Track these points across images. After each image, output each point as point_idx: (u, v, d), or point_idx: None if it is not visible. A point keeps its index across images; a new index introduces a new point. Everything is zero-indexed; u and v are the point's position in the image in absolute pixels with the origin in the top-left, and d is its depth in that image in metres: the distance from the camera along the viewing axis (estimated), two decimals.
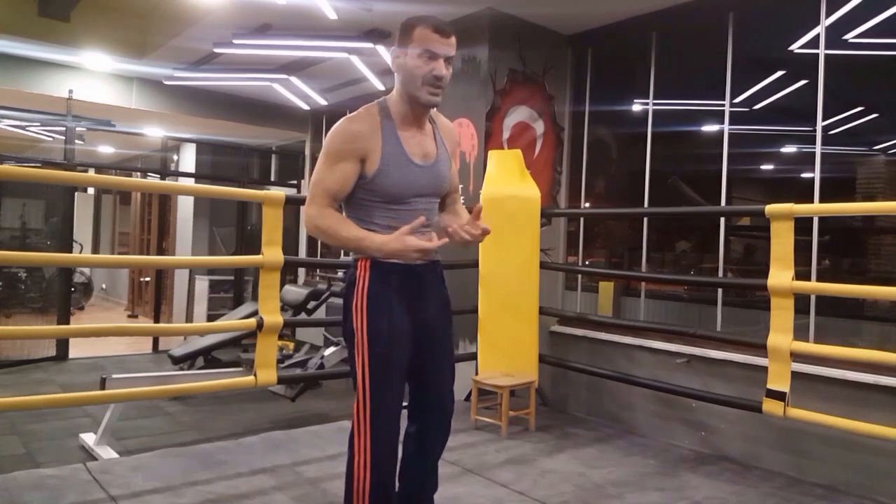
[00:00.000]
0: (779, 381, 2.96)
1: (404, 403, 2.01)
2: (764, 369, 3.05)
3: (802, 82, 4.14)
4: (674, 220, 5.18)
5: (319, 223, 1.85)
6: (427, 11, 5.02)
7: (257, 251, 3.24)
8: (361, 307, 1.90)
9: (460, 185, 2.38)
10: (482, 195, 4.06)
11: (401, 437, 2.05)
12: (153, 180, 8.64)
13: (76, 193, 7.56)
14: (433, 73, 1.81)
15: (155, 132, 8.22)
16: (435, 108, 2.00)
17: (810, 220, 3.59)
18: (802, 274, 3.38)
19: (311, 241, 8.56)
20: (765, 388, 3.01)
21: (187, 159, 9.43)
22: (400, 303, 1.92)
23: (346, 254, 8.03)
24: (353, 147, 1.84)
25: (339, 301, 6.78)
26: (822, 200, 3.63)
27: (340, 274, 5.88)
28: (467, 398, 4.13)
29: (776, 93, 4.27)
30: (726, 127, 4.10)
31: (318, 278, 8.12)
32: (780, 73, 4.27)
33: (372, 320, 1.88)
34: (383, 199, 1.89)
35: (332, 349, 5.02)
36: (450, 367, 2.13)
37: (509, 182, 4.12)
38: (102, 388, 3.49)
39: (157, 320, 7.66)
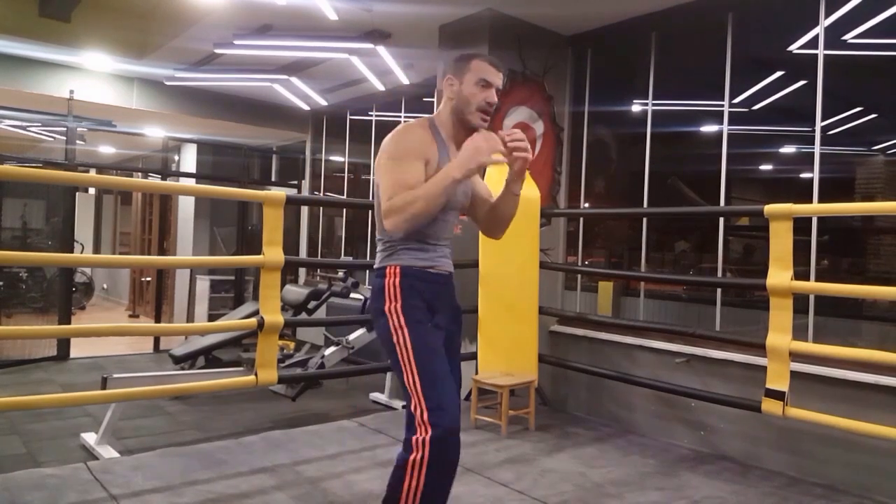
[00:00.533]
0: (778, 380, 2.97)
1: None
2: (763, 369, 3.06)
3: (801, 82, 4.14)
4: (673, 220, 5.18)
5: (403, 206, 1.86)
6: (427, 12, 5.03)
7: (258, 251, 3.25)
8: (395, 303, 2.00)
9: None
10: None
11: None
12: (154, 180, 8.65)
13: (77, 193, 7.57)
14: (486, 100, 2.02)
15: (156, 132, 8.23)
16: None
17: (809, 220, 3.60)
18: (801, 274, 3.39)
19: (312, 241, 8.58)
20: (764, 387, 3.02)
21: (188, 159, 9.45)
22: (428, 307, 2.05)
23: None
24: (421, 148, 1.97)
25: (340, 301, 6.76)
26: (821, 200, 3.64)
27: (341, 274, 5.89)
28: (467, 398, 4.14)
29: (775, 93, 4.28)
30: (725, 127, 4.11)
31: (318, 278, 8.14)
32: (779, 74, 4.27)
33: (407, 312, 1.98)
34: None
35: (332, 349, 5.02)
36: (458, 371, 2.23)
37: None
38: (103, 387, 3.50)
39: (157, 320, 7.67)
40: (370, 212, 7.49)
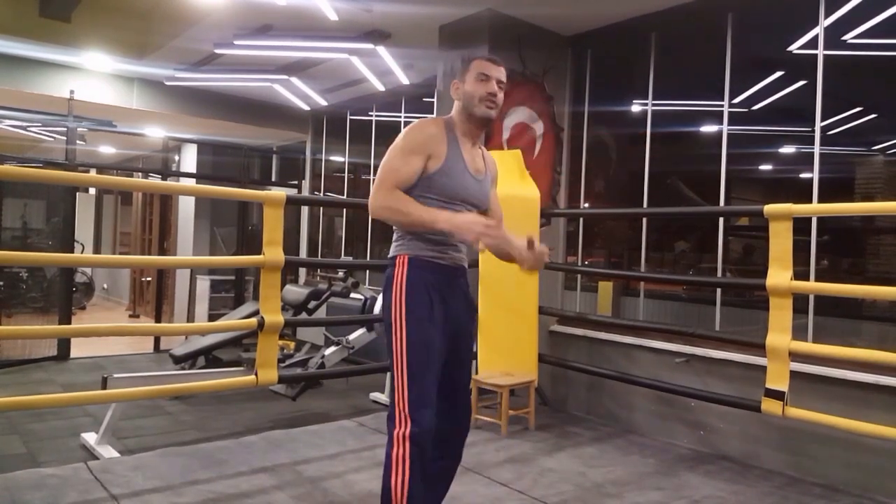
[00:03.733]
0: (777, 380, 2.97)
1: None
2: (763, 369, 3.06)
3: (801, 83, 4.14)
4: (673, 220, 5.18)
5: (391, 203, 2.01)
6: (427, 12, 5.03)
7: (258, 251, 3.25)
8: (400, 296, 2.07)
9: None
10: None
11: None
12: (154, 181, 8.65)
13: (77, 194, 7.55)
14: (487, 90, 2.14)
15: (156, 132, 8.24)
16: (484, 147, 2.33)
17: (809, 220, 3.60)
18: (801, 274, 3.39)
19: (312, 241, 8.59)
20: (763, 387, 3.02)
21: (188, 160, 9.45)
22: (434, 295, 2.10)
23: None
24: (426, 145, 2.08)
25: (340, 301, 6.77)
26: (820, 201, 3.64)
27: (341, 274, 5.90)
28: None
29: (775, 93, 4.28)
30: (725, 127, 4.11)
31: (318, 278, 8.14)
32: (778, 74, 4.27)
33: (410, 306, 2.06)
34: (438, 197, 2.09)
35: (332, 349, 5.03)
36: (469, 366, 2.34)
37: (509, 182, 4.12)
38: (104, 387, 3.50)
39: (158, 320, 7.67)
40: None
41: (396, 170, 2.06)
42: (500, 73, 2.19)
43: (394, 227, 2.18)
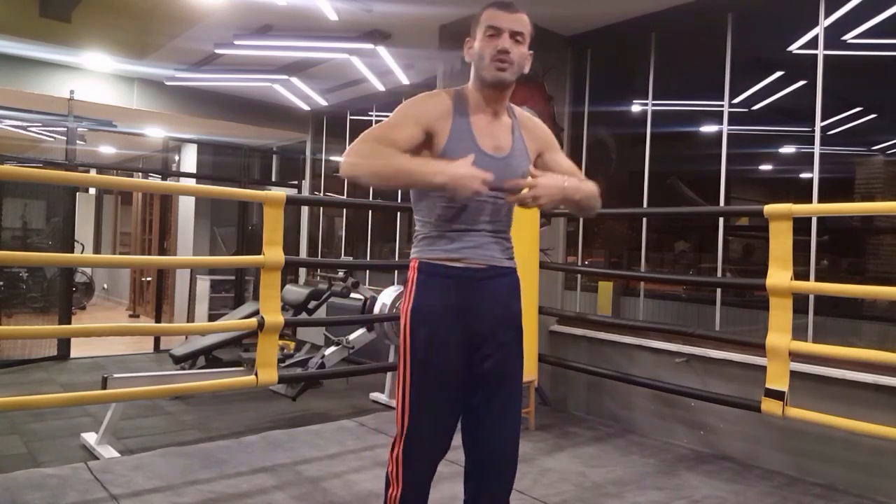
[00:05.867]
0: (777, 380, 2.97)
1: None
2: (763, 369, 3.06)
3: (801, 83, 4.14)
4: (673, 220, 5.18)
5: (365, 154, 1.62)
6: (427, 12, 5.02)
7: (258, 251, 3.25)
8: (406, 311, 1.77)
9: None
10: None
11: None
12: (154, 181, 8.65)
13: (77, 194, 7.55)
14: (497, 48, 1.74)
15: (156, 133, 8.24)
16: (526, 110, 1.94)
17: (809, 220, 3.60)
18: (801, 274, 3.39)
19: (312, 241, 8.58)
20: (763, 387, 3.02)
21: (188, 160, 9.45)
22: (449, 311, 1.73)
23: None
24: (427, 116, 1.72)
25: (340, 301, 6.75)
26: (820, 200, 3.64)
27: (341, 274, 5.89)
28: None
29: (775, 93, 4.28)
30: (725, 127, 4.11)
31: (318, 278, 8.14)
32: (778, 74, 4.28)
33: (414, 325, 1.74)
34: None
35: (332, 349, 5.03)
36: (512, 414, 1.83)
37: None
38: (104, 387, 3.50)
39: (158, 320, 7.67)
40: (370, 212, 7.51)
41: (380, 127, 1.68)
42: (516, 21, 1.76)
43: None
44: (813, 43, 3.75)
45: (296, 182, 8.84)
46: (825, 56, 3.66)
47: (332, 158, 8.22)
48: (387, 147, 1.63)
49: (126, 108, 6.93)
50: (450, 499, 2.80)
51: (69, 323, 6.63)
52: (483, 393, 1.77)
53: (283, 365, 5.06)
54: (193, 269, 8.63)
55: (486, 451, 1.80)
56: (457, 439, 1.82)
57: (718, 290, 4.16)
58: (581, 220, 5.05)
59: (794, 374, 3.00)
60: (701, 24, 4.36)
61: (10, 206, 7.51)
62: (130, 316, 10.17)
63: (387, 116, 1.74)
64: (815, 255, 3.61)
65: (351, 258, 7.95)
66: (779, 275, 2.95)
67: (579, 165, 5.01)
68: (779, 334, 2.96)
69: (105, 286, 12.32)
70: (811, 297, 3.62)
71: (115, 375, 3.58)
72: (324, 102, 7.40)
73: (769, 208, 2.99)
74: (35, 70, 6.23)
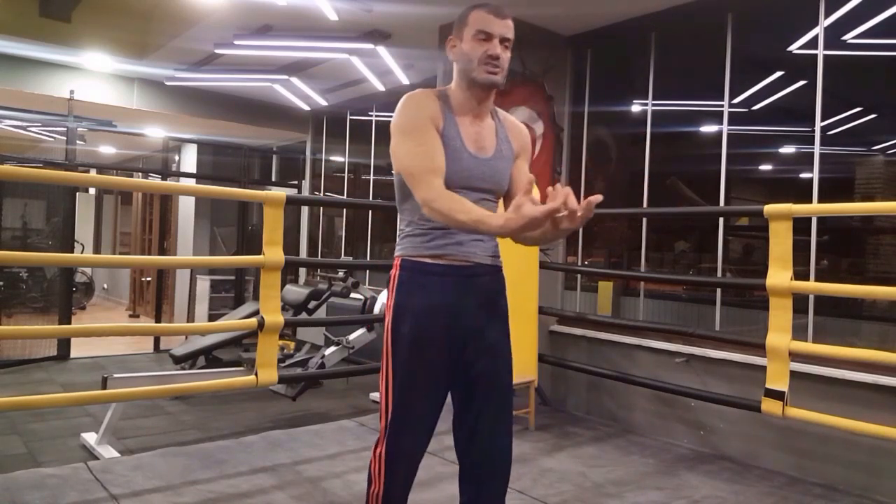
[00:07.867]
0: (777, 380, 2.97)
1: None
2: (763, 369, 3.06)
3: (801, 83, 4.15)
4: (673, 220, 5.18)
5: (436, 206, 1.59)
6: (427, 12, 5.02)
7: (258, 251, 3.25)
8: (389, 308, 1.78)
9: None
10: None
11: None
12: (154, 181, 8.66)
13: (77, 194, 7.56)
14: (487, 52, 1.74)
15: (156, 132, 8.24)
16: (510, 115, 1.97)
17: (809, 220, 3.60)
18: (801, 274, 3.39)
19: (312, 241, 8.58)
20: (763, 387, 3.02)
21: (188, 160, 9.45)
22: (433, 309, 1.74)
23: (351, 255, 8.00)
24: (428, 115, 1.72)
25: (340, 301, 6.74)
26: (820, 200, 3.64)
27: (341, 274, 5.90)
28: None
29: (775, 93, 4.28)
30: (725, 127, 4.11)
31: (318, 278, 8.14)
32: (778, 74, 4.28)
33: (397, 322, 1.76)
34: None
35: (332, 349, 5.03)
36: (507, 409, 1.89)
37: None
38: (104, 387, 3.50)
39: (158, 320, 7.67)
40: (370, 212, 7.52)
41: (419, 158, 1.65)
42: (505, 27, 1.78)
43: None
44: (813, 43, 3.75)
45: (296, 182, 8.84)
46: (825, 56, 3.66)
47: (332, 158, 8.23)
48: (439, 178, 1.64)
49: (126, 108, 6.93)
50: (450, 499, 2.81)
51: (69, 323, 6.63)
52: (476, 402, 1.81)
53: (283, 365, 5.06)
54: (193, 269, 8.63)
55: (483, 459, 1.85)
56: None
57: (718, 290, 4.16)
58: None
59: (794, 374, 3.00)
60: (701, 24, 4.36)
61: (10, 206, 7.51)
62: (130, 316, 10.17)
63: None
64: (815, 255, 3.61)
65: (351, 258, 7.95)
66: (779, 275, 2.95)
67: (580, 165, 5.04)
68: (779, 334, 2.96)
69: (105, 286, 12.32)
70: (811, 297, 3.62)
71: (115, 375, 3.58)
72: (324, 102, 7.40)
73: (769, 208, 2.99)
74: (35, 70, 6.23)
